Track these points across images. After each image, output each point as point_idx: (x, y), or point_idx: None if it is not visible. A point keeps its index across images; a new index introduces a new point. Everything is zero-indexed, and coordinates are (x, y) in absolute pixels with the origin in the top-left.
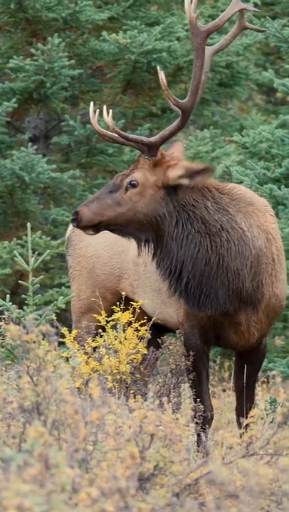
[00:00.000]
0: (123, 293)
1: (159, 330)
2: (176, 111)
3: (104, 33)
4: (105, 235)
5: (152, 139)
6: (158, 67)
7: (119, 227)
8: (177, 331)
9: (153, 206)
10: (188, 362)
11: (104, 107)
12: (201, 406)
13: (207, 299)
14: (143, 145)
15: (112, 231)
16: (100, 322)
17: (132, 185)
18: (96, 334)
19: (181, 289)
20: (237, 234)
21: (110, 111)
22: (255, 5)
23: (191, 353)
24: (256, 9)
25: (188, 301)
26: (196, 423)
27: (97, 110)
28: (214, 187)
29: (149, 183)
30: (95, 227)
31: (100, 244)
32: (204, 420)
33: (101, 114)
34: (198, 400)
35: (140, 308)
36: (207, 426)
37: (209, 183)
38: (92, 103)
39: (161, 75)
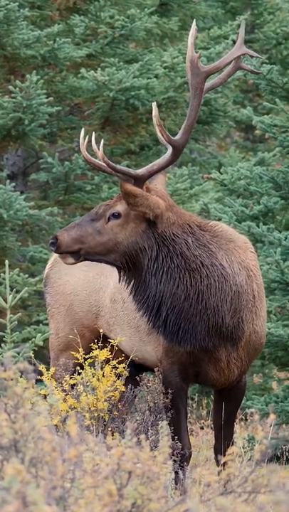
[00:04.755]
0: (101, 330)
1: (137, 368)
2: (165, 145)
3: (82, 70)
4: (84, 272)
5: (139, 172)
6: (153, 104)
7: (98, 256)
8: (156, 369)
9: (134, 239)
10: (167, 400)
11: (93, 135)
12: (179, 443)
13: (186, 335)
14: (130, 177)
15: (90, 260)
16: (78, 360)
17: (115, 216)
18: (74, 372)
19: (160, 324)
20: (217, 270)
21: (102, 140)
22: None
23: (170, 391)
24: (259, 55)
25: (166, 336)
26: (174, 461)
27: (87, 136)
28: (196, 224)
29: (131, 215)
30: (75, 255)
31: (78, 281)
32: (182, 458)
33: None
34: (176, 437)
35: (118, 345)
36: (185, 463)
37: (191, 219)
38: (83, 129)
39: (155, 111)
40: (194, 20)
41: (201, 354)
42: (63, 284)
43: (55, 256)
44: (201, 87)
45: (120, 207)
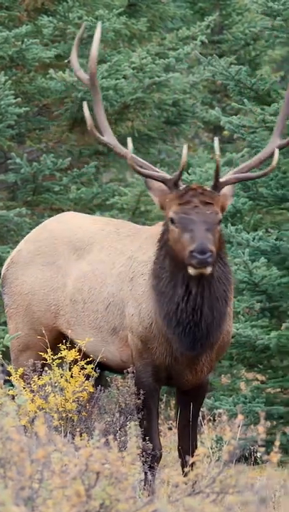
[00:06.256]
0: (69, 331)
1: (99, 368)
2: None
3: (51, 70)
4: (41, 272)
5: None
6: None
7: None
8: (129, 369)
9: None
10: (139, 400)
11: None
12: (150, 444)
13: (199, 342)
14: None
15: None
16: (41, 359)
17: (220, 220)
18: (41, 372)
19: (185, 332)
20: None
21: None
22: (202, 43)
23: (142, 392)
24: None
25: (183, 343)
26: (145, 461)
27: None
28: None
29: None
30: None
31: (36, 281)
32: (153, 458)
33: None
34: (147, 438)
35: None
36: (155, 464)
37: None
38: (129, 139)
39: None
40: None
41: (183, 358)
42: (20, 284)
43: (12, 256)
44: None
45: (219, 209)
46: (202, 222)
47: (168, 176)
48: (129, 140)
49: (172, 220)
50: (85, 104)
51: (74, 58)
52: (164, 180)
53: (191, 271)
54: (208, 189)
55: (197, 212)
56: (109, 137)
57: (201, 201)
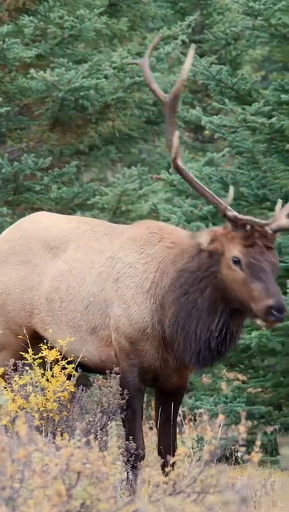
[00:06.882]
0: (48, 331)
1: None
2: None
3: (32, 70)
4: (15, 271)
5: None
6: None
7: None
8: (108, 370)
9: None
10: (123, 400)
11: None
12: (134, 444)
13: (213, 361)
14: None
15: None
16: (17, 359)
17: None
18: (22, 372)
19: (205, 354)
20: None
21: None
22: (183, 43)
23: (126, 392)
24: None
25: (199, 361)
26: (128, 460)
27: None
28: None
29: None
30: None
31: (10, 280)
32: (136, 458)
33: None
34: (130, 437)
35: (53, 344)
36: (139, 463)
37: None
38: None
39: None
40: None
41: (174, 362)
42: None
43: None
44: None
45: None
46: (272, 273)
47: (239, 216)
48: (231, 189)
49: (237, 261)
50: (176, 134)
51: (146, 69)
52: (234, 220)
53: (260, 323)
54: (270, 232)
55: (267, 260)
56: (180, 161)
57: (264, 245)
